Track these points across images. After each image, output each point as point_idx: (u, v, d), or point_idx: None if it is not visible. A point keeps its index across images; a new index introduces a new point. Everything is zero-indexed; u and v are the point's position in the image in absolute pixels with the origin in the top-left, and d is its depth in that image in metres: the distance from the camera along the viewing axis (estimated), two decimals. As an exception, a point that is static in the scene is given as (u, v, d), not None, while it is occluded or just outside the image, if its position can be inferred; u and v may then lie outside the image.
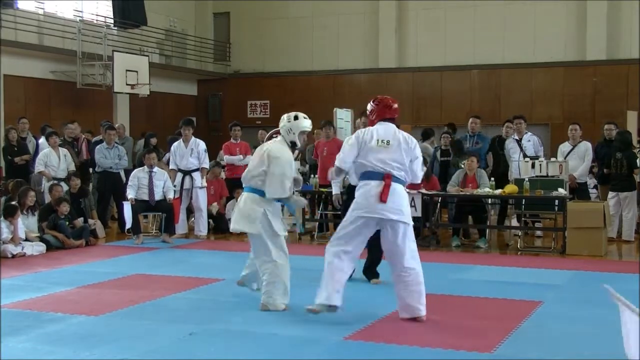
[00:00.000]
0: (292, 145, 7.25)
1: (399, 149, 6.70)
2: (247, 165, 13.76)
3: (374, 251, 8.11)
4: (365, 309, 7.14)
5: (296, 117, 7.27)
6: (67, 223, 11.47)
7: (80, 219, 11.89)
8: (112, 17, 20.10)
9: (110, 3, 20.25)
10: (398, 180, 6.67)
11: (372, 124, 6.99)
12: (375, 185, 6.63)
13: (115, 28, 20.30)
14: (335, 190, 9.44)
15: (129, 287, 8.22)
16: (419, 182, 7.31)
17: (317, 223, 12.97)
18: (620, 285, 4.84)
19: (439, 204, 12.05)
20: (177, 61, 22.65)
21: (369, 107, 7.11)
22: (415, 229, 11.61)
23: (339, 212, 12.88)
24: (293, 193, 7.33)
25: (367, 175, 6.73)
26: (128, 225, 12.10)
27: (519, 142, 12.47)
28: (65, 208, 11.50)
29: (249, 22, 23.64)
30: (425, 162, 12.04)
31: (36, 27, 17.94)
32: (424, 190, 11.52)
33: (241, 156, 13.61)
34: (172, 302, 7.52)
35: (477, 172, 11.68)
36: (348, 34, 22.46)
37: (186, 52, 22.96)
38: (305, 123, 7.28)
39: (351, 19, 22.43)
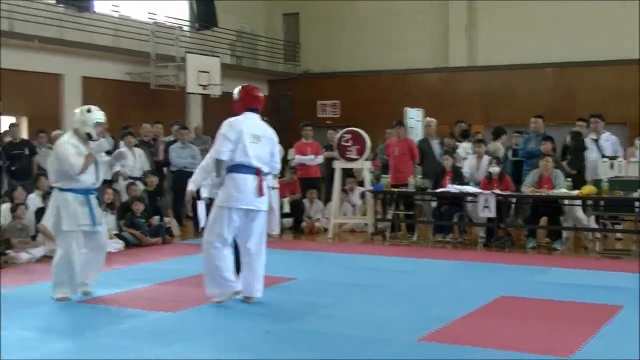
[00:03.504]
0: (88, 137, 7.57)
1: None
2: (318, 164, 13.95)
3: None
4: (439, 310, 7.07)
5: (89, 110, 7.62)
6: (144, 221, 11.71)
7: (156, 217, 12.12)
8: (186, 19, 20.40)
9: (183, 5, 20.57)
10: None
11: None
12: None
13: (188, 30, 20.61)
14: None
15: (203, 285, 8.32)
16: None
17: (389, 223, 12.91)
18: None
19: (513, 205, 11.89)
20: (248, 62, 22.84)
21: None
22: (489, 230, 11.66)
23: (411, 213, 12.88)
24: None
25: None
26: (202, 223, 12.22)
27: (596, 141, 12.22)
28: (140, 207, 11.74)
29: (318, 22, 23.69)
30: (498, 161, 11.93)
31: (112, 30, 18.31)
32: (497, 191, 11.38)
33: (312, 156, 13.67)
34: (245, 300, 7.58)
35: (553, 172, 11.47)
36: (417, 33, 22.30)
37: (257, 52, 23.14)
38: (99, 115, 7.64)
39: (420, 17, 22.28)
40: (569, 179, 11.34)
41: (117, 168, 12.74)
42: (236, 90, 7.48)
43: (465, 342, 5.95)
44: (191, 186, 8.47)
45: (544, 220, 11.82)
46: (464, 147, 13.43)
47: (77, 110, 7.66)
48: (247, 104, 7.36)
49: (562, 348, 5.76)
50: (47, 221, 7.66)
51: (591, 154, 12.18)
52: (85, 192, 7.54)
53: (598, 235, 11.67)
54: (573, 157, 12.12)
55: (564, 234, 11.73)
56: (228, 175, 7.17)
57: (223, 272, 7.23)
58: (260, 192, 7.18)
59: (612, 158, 11.77)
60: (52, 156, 7.69)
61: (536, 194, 11.35)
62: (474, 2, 21.68)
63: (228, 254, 7.30)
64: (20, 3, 15.91)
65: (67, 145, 7.45)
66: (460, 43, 21.74)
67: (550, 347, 5.82)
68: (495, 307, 7.30)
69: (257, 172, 7.18)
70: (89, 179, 7.53)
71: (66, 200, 7.46)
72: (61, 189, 7.50)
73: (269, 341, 6.07)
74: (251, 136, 7.16)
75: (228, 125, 7.18)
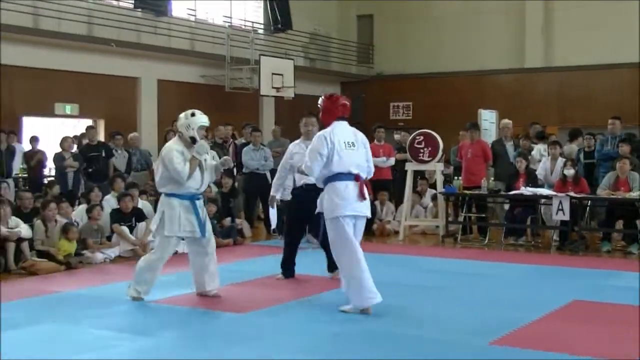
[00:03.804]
0: (192, 141, 7.45)
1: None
2: (390, 166, 13.89)
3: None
4: (511, 313, 6.98)
5: (193, 114, 7.50)
6: (216, 222, 11.85)
7: (228, 219, 12.26)
8: (261, 21, 20.63)
9: (258, 8, 20.80)
10: None
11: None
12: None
13: (262, 32, 20.82)
14: None
15: (272, 286, 8.39)
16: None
17: (460, 225, 12.80)
18: None
19: (588, 208, 11.66)
20: (321, 64, 22.93)
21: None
22: (563, 233, 11.45)
23: (483, 215, 12.74)
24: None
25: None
26: (273, 225, 12.33)
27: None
28: (213, 208, 11.88)
29: (392, 23, 23.63)
30: (573, 163, 11.71)
31: (188, 34, 18.63)
32: (572, 193, 11.17)
33: (384, 158, 13.63)
34: (315, 302, 7.63)
35: (630, 174, 11.20)
36: (492, 34, 22.06)
37: (330, 54, 23.22)
38: (203, 119, 7.53)
39: (495, 18, 22.04)
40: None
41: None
42: (321, 101, 7.40)
43: (537, 346, 5.87)
44: (273, 191, 8.82)
45: (619, 224, 11.55)
46: (539, 149, 13.22)
47: (182, 115, 7.59)
48: (336, 113, 7.28)
49: (635, 354, 5.63)
50: (153, 225, 7.70)
51: None
52: (191, 197, 7.49)
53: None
54: None
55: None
56: (329, 186, 7.08)
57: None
58: (362, 197, 7.09)
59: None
60: (159, 161, 7.67)
61: (612, 196, 11.10)
62: (551, 1, 21.33)
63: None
64: (98, 8, 16.33)
65: (174, 152, 7.38)
66: (537, 43, 21.42)
67: (624, 353, 5.69)
68: (568, 312, 7.17)
69: (357, 177, 7.11)
70: (194, 184, 7.47)
71: (171, 205, 7.45)
72: (167, 194, 7.50)
73: (338, 342, 6.08)
74: (345, 144, 7.11)
75: (320, 140, 7.08)
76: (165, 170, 7.43)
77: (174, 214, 7.42)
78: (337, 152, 7.01)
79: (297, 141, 9.08)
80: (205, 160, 7.60)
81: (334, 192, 7.03)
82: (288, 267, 8.92)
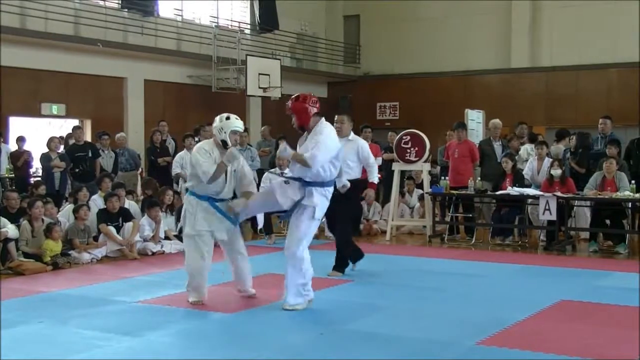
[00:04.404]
0: (223, 145, 7.35)
1: None
2: (377, 166, 13.86)
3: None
4: (498, 313, 6.99)
5: (227, 118, 7.41)
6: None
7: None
8: (248, 22, 20.61)
9: (244, 8, 20.77)
10: None
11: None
12: None
13: (249, 33, 20.80)
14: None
15: (260, 286, 8.36)
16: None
17: (447, 225, 12.82)
18: None
19: (574, 208, 11.70)
20: (308, 64, 22.94)
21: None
22: (550, 233, 11.49)
23: (470, 215, 12.77)
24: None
25: None
26: (260, 225, 12.33)
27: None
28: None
29: (379, 24, 23.67)
30: (560, 164, 11.75)
31: (175, 34, 18.59)
32: (559, 193, 11.21)
33: (371, 158, 13.59)
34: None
35: (617, 174, 11.25)
36: (479, 34, 22.14)
37: (317, 55, 23.22)
38: (237, 123, 7.43)
39: (482, 18, 22.11)
40: (633, 182, 11.11)
41: (178, 170, 12.95)
42: (290, 104, 7.22)
43: (524, 346, 5.88)
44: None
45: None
46: (526, 149, 13.26)
47: (217, 117, 7.49)
48: (312, 111, 7.16)
49: (623, 354, 5.67)
50: (181, 222, 7.71)
51: None
52: (207, 199, 7.38)
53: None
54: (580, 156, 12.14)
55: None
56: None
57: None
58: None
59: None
60: (191, 158, 7.59)
61: (599, 196, 11.14)
62: (538, 2, 21.41)
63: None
64: (85, 8, 16.27)
65: (201, 150, 7.33)
66: (523, 43, 21.52)
67: (611, 353, 5.72)
68: (555, 311, 7.19)
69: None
70: (215, 187, 7.33)
71: (190, 203, 7.42)
72: (189, 192, 7.48)
73: (323, 342, 6.08)
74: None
75: (335, 138, 7.20)
76: (192, 168, 7.43)
77: (193, 212, 7.36)
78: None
79: None
80: (236, 168, 7.45)
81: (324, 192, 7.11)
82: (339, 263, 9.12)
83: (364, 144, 9.19)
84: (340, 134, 8.49)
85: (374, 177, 9.24)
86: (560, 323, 6.70)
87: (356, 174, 9.03)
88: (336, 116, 9.08)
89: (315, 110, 7.14)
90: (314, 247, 7.80)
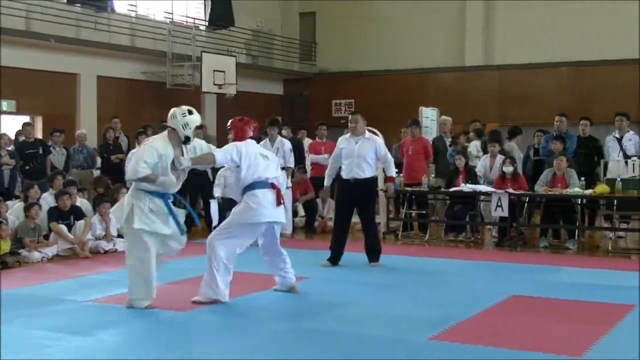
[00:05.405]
0: (186, 140, 7.22)
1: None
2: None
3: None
4: (450, 309, 7.05)
5: (191, 112, 7.29)
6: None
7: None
8: (202, 18, 20.47)
9: (199, 5, 20.64)
10: None
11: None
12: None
13: (204, 29, 20.67)
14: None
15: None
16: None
17: (402, 222, 12.90)
18: None
19: (525, 204, 11.84)
20: (264, 61, 22.86)
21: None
22: (501, 229, 11.63)
23: (424, 212, 12.85)
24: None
25: None
26: (215, 223, 12.27)
27: (619, 140, 12.15)
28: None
29: (335, 21, 23.69)
30: (512, 161, 11.87)
31: (129, 30, 18.39)
32: (511, 190, 11.34)
33: (326, 155, 13.60)
34: (258, 300, 7.61)
35: (567, 171, 11.41)
36: (434, 33, 22.27)
37: (272, 52, 23.16)
38: (199, 118, 7.44)
39: (437, 17, 22.24)
40: (583, 179, 11.27)
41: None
42: (230, 124, 7.80)
43: (476, 341, 5.94)
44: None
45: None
46: (475, 145, 13.35)
47: (177, 111, 7.20)
48: (248, 134, 7.58)
49: (573, 347, 5.74)
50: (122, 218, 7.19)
51: (613, 153, 12.12)
52: (161, 195, 7.08)
53: (611, 234, 11.59)
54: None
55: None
56: (248, 194, 7.37)
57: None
58: (278, 204, 7.46)
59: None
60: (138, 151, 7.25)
61: (549, 193, 11.30)
62: (491, 1, 21.62)
63: None
64: (37, 2, 16.01)
65: (151, 151, 6.96)
66: (477, 42, 21.70)
67: (562, 346, 5.80)
68: (507, 307, 7.28)
69: (272, 185, 7.40)
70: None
71: (139, 198, 7.01)
72: (137, 188, 7.06)
73: (279, 341, 6.07)
74: (261, 155, 7.50)
75: (233, 147, 7.46)
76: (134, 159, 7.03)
77: (144, 208, 6.97)
78: (251, 162, 7.27)
79: (344, 136, 9.64)
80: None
81: (251, 199, 7.25)
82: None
83: (381, 142, 9.71)
84: (356, 132, 9.39)
85: (392, 172, 9.85)
86: (512, 318, 6.78)
87: (373, 171, 9.70)
88: (350, 116, 9.79)
89: (250, 134, 7.59)
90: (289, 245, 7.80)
